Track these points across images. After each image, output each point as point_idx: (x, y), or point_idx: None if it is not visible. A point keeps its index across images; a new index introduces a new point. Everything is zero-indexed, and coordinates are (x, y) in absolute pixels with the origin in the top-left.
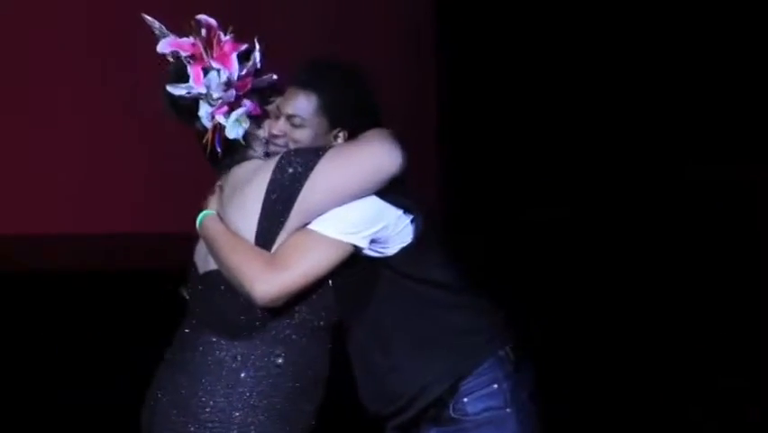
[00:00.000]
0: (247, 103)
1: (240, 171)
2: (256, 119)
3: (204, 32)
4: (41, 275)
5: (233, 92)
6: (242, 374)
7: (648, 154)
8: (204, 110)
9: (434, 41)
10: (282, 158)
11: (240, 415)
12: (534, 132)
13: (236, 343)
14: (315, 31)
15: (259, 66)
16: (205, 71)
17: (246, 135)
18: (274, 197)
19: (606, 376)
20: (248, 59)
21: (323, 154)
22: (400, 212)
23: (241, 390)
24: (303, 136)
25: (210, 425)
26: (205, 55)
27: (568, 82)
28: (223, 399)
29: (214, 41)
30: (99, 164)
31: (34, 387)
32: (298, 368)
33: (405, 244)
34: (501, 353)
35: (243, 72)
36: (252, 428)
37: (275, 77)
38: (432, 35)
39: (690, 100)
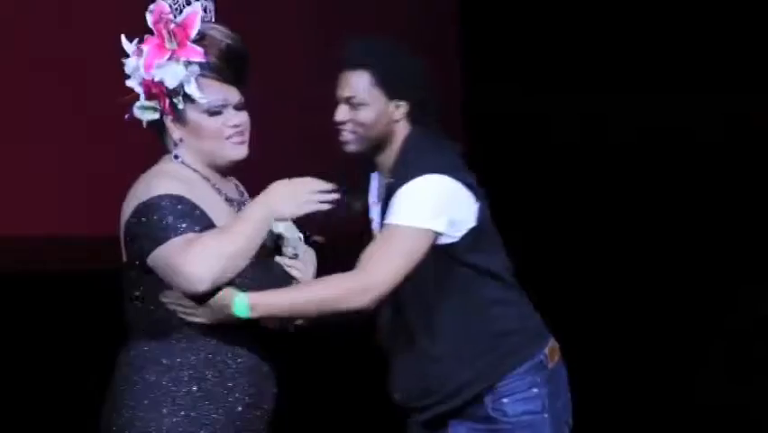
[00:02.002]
0: (161, 104)
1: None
2: (169, 119)
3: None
4: (41, 275)
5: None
6: (154, 375)
7: None
8: (130, 67)
9: (458, 42)
10: (138, 207)
11: (164, 414)
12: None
13: (142, 343)
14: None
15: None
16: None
17: (161, 129)
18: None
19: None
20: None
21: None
22: (470, 193)
23: (159, 391)
24: (366, 116)
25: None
26: (166, 42)
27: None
28: (134, 401)
29: (181, 35)
30: (101, 165)
31: (34, 387)
32: (211, 363)
33: (469, 229)
34: (541, 357)
35: (158, 80)
36: (180, 429)
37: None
38: (455, 37)
39: None
